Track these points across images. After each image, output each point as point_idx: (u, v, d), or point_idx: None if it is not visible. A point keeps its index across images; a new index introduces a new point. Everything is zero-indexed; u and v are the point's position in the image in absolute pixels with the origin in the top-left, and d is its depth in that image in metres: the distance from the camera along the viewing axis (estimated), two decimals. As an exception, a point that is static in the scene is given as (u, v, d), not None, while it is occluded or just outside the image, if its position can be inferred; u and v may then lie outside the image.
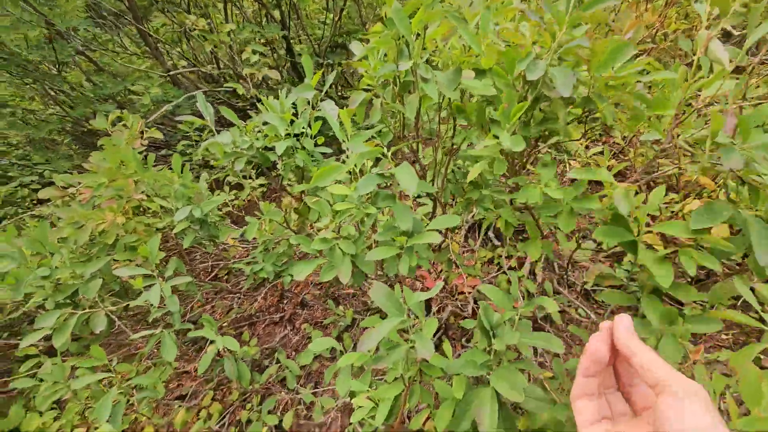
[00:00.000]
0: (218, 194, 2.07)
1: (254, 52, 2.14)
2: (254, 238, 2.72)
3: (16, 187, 2.53)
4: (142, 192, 1.54)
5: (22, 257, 1.44)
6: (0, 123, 2.58)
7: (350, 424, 1.33)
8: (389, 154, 0.98)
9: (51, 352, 2.61)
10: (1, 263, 1.45)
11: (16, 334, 2.70)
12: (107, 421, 1.33)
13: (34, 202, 3.01)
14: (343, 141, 1.10)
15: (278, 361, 2.28)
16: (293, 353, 2.37)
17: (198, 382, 2.30)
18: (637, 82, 0.77)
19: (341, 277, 1.09)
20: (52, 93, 3.03)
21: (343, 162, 1.09)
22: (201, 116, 1.45)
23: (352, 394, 1.20)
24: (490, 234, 2.48)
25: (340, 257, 1.13)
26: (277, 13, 2.92)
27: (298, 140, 1.37)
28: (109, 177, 1.57)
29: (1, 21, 2.49)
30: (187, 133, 2.75)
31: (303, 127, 1.34)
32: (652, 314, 0.95)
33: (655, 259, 0.92)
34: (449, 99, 1.00)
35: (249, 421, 2.05)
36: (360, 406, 1.08)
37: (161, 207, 1.60)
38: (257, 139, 1.33)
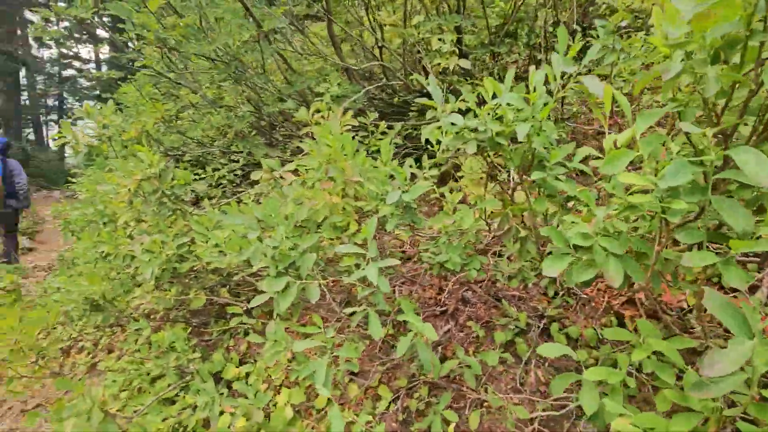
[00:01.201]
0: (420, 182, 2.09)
1: (441, 40, 2.10)
2: (419, 229, 2.73)
3: (229, 171, 3.01)
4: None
5: (260, 227, 1.64)
6: (217, 117, 3.11)
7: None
8: (710, 134, 0.79)
9: (248, 313, 2.99)
10: (242, 231, 1.67)
11: (214, 295, 3.21)
12: (323, 385, 1.43)
13: (234, 184, 3.54)
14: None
15: (444, 358, 2.24)
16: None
17: (365, 363, 2.40)
18: None
19: (612, 280, 0.93)
20: (248, 91, 3.50)
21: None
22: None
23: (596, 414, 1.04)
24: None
25: (602, 256, 0.97)
26: (452, 2, 2.88)
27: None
28: (328, 159, 1.68)
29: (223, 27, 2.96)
30: (364, 124, 2.88)
31: (540, 109, 1.21)
32: None
33: None
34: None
35: (418, 411, 2.05)
36: (626, 434, 0.91)
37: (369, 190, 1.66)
38: (488, 122, 1.25)
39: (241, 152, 3.71)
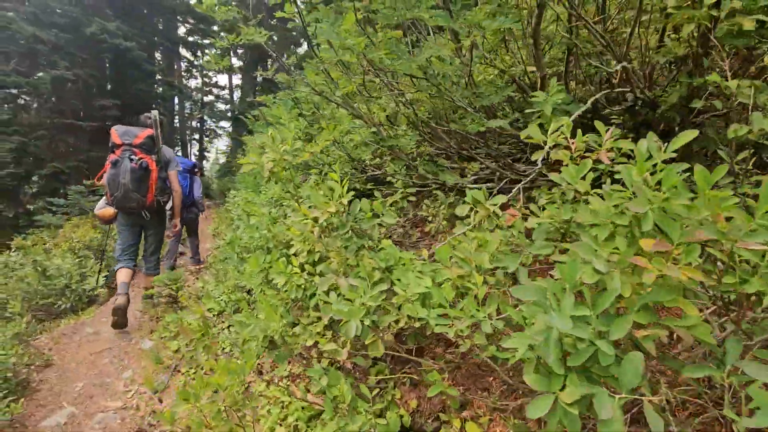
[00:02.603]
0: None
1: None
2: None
3: (402, 198, 2.68)
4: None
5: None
6: (400, 141, 2.80)
7: None
8: None
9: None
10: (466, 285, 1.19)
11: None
12: None
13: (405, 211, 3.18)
14: None
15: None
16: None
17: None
18: None
19: None
20: (411, 114, 3.14)
21: None
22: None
23: None
24: None
25: None
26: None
27: None
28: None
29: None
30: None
31: None
32: None
33: None
34: None
35: None
36: None
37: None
38: None
39: (398, 177, 3.37)
